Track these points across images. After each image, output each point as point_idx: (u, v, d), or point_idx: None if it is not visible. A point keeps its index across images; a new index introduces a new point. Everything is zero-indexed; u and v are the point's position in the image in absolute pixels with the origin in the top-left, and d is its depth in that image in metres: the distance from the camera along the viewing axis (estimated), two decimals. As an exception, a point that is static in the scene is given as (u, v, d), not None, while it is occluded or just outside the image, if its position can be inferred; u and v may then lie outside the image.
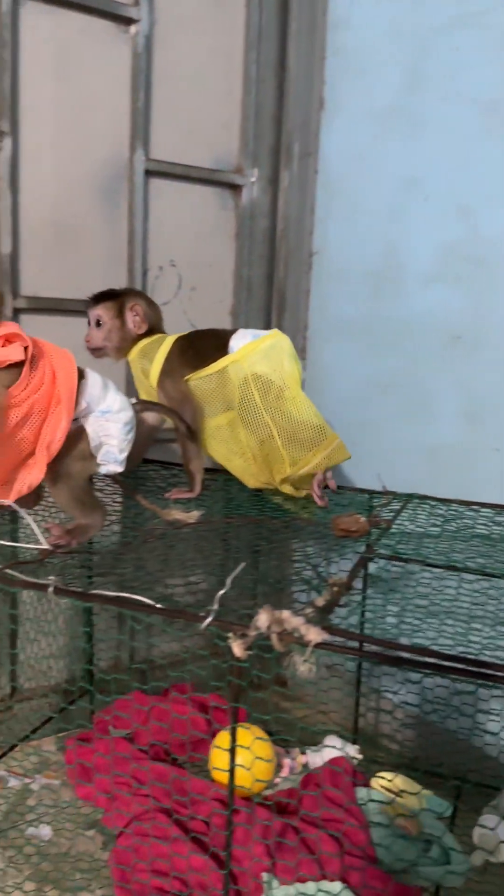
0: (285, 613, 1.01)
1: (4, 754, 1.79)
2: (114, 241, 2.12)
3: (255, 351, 1.66)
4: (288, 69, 2.19)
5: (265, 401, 1.63)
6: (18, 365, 1.32)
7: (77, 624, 2.07)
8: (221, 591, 1.12)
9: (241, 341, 1.68)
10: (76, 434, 1.38)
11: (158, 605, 1.11)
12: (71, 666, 2.10)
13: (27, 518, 1.34)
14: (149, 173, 2.11)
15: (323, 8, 2.17)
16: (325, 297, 2.26)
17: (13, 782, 1.74)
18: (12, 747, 1.82)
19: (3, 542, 1.31)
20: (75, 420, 1.38)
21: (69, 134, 2.00)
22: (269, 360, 1.65)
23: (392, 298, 2.11)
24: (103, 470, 1.43)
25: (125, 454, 1.43)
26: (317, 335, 2.29)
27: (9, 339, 1.33)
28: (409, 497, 1.76)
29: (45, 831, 1.61)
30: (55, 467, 1.36)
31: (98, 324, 1.75)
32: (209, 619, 1.06)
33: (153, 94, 2.09)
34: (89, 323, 1.77)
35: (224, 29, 2.17)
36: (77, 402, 1.36)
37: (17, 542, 1.36)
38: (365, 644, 1.04)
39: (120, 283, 2.14)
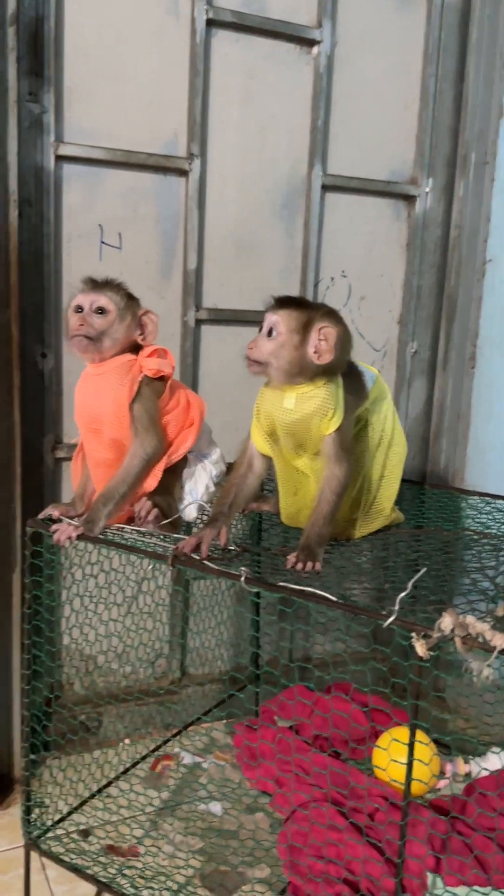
0: (470, 618, 1.04)
1: (179, 733, 1.93)
2: (289, 254, 2.21)
3: (379, 398, 1.57)
4: (467, 80, 2.20)
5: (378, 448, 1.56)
6: (163, 381, 1.50)
7: (242, 619, 2.18)
8: (403, 594, 1.17)
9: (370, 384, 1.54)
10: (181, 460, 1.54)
11: (341, 601, 1.18)
12: (236, 657, 2.22)
13: (226, 528, 1.45)
14: (325, 188, 2.19)
15: (505, 15, 2.16)
16: (498, 306, 2.24)
17: (187, 759, 1.87)
18: (186, 727, 1.96)
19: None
20: None
21: (252, 153, 2.12)
22: (380, 410, 1.57)
23: None
24: (183, 505, 1.54)
25: (204, 500, 1.55)
26: (487, 344, 2.27)
27: (158, 355, 1.50)
28: None
29: (217, 808, 1.73)
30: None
31: (270, 333, 1.40)
32: (392, 618, 1.11)
33: (332, 112, 2.17)
34: (260, 329, 1.43)
35: (404, 45, 2.22)
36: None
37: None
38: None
39: (293, 294, 2.23)
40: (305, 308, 1.40)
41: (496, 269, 2.24)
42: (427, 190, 2.29)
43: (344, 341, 1.40)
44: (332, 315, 1.41)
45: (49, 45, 1.83)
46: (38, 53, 1.83)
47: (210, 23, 1.99)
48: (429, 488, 1.97)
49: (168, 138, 2.02)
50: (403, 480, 1.64)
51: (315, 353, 1.39)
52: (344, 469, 1.42)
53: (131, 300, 1.51)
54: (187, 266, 2.07)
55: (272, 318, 1.39)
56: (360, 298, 2.32)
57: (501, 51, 2.17)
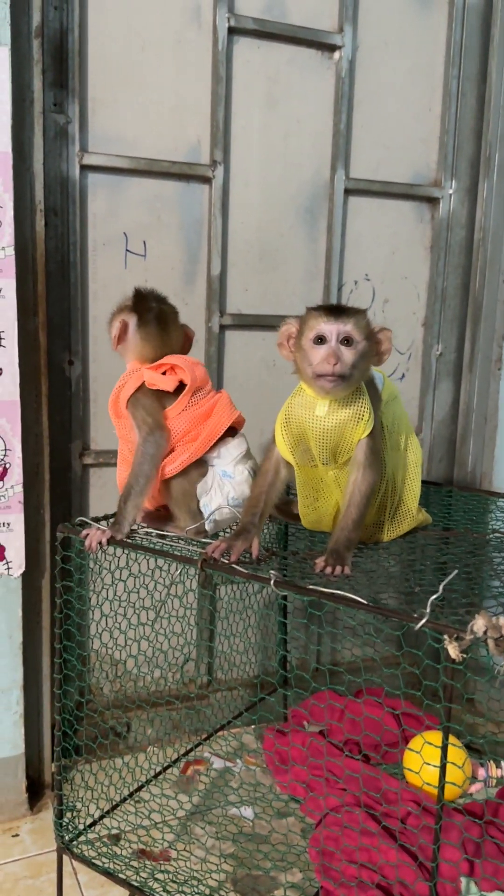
0: (503, 619, 1.04)
1: (208, 738, 1.93)
2: (312, 258, 2.22)
3: (389, 399, 1.56)
4: (489, 81, 2.19)
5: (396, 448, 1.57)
6: (180, 394, 1.51)
7: (270, 623, 2.17)
8: (434, 596, 1.16)
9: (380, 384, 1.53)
10: (198, 467, 1.52)
11: (372, 604, 1.17)
12: (265, 661, 2.22)
13: (258, 540, 1.45)
14: (348, 192, 2.19)
15: (527, 15, 2.15)
16: (523, 307, 2.23)
17: (217, 764, 1.87)
18: (216, 731, 1.96)
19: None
20: (203, 462, 1.53)
21: (275, 159, 2.12)
22: (393, 412, 1.57)
23: None
24: (205, 517, 1.53)
25: (216, 518, 1.53)
26: (513, 345, 2.26)
27: (173, 370, 1.53)
28: None
29: (248, 812, 1.73)
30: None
31: (348, 342, 1.34)
32: (423, 621, 1.11)
33: (354, 116, 2.17)
34: (322, 339, 1.33)
35: (425, 48, 2.22)
36: (213, 449, 1.53)
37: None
38: None
39: (316, 298, 2.24)
40: (361, 313, 1.36)
41: (521, 270, 2.23)
42: (450, 192, 2.28)
43: None
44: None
45: (73, 57, 1.85)
46: (63, 65, 1.85)
47: (232, 30, 2.00)
48: (457, 491, 1.95)
49: (191, 146, 2.04)
50: (431, 483, 1.64)
51: (376, 356, 1.40)
52: (375, 473, 1.42)
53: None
54: (211, 272, 2.08)
55: (343, 328, 1.32)
56: (383, 301, 2.32)
57: (524, 51, 2.16)
